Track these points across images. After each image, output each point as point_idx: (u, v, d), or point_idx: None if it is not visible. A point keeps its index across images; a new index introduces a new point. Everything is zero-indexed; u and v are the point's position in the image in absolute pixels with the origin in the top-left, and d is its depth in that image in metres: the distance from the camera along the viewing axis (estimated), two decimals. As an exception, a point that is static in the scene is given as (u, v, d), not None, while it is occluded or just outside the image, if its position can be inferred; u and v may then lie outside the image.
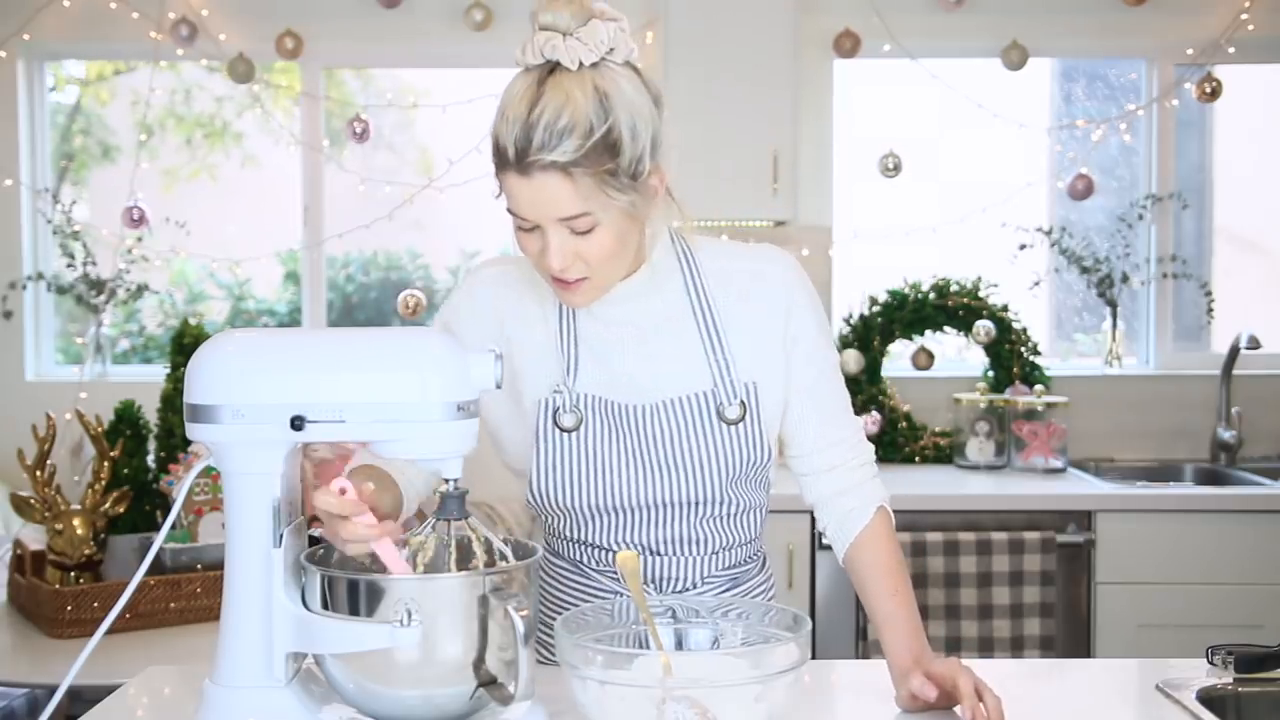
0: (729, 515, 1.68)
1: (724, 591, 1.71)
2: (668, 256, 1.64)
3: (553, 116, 1.41)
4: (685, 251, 1.66)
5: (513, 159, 1.44)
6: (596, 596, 1.69)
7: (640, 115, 1.47)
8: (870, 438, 3.83)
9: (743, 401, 1.61)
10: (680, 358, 1.63)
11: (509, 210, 1.49)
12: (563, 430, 1.61)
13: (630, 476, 1.62)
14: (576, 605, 1.70)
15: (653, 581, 1.67)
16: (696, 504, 1.64)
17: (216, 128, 4.50)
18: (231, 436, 1.32)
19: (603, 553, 1.69)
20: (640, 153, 1.47)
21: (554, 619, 1.70)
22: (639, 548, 1.67)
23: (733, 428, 1.62)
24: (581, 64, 1.44)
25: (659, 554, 1.67)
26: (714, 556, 1.69)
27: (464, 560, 1.41)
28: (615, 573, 1.67)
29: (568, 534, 1.70)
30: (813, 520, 3.48)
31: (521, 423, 1.66)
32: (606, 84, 1.44)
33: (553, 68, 1.44)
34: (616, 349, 1.63)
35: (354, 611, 1.30)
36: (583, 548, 1.70)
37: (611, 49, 1.46)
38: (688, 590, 1.69)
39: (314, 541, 1.47)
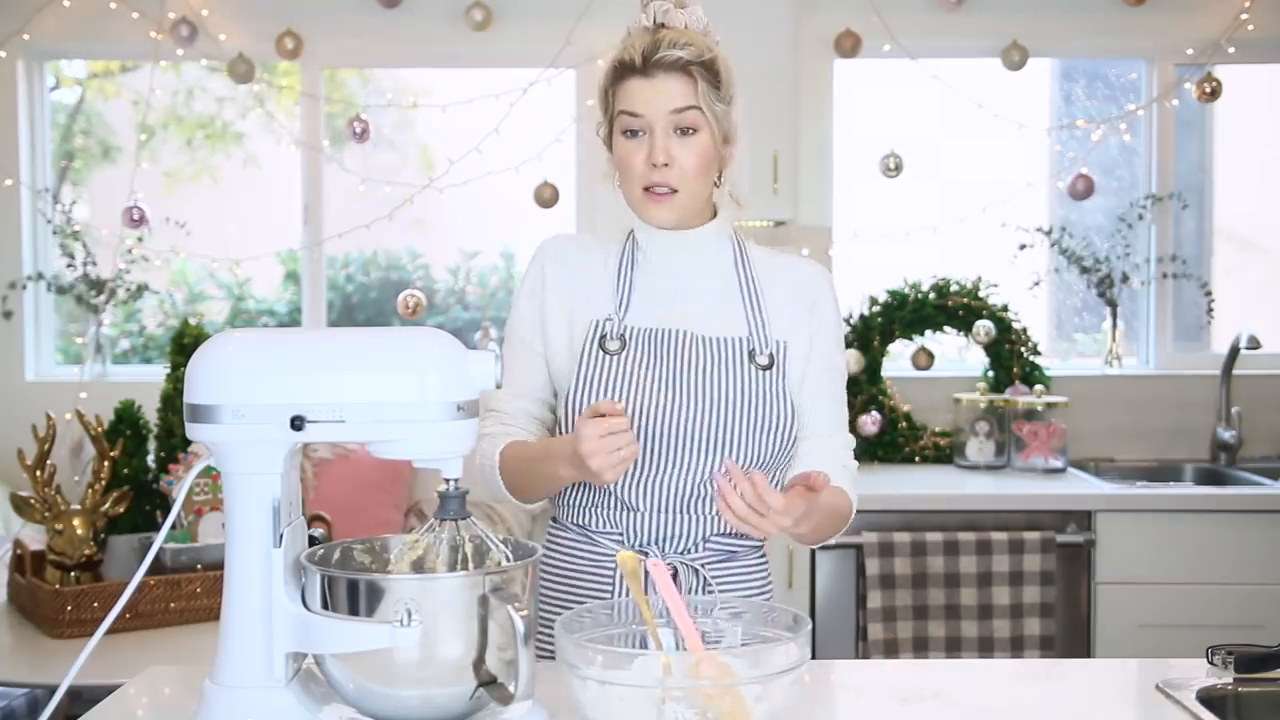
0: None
1: (720, 564, 1.79)
2: (723, 236, 1.85)
3: (675, 36, 1.73)
4: (738, 240, 1.87)
5: (639, 63, 1.71)
6: (602, 566, 1.77)
7: (732, 71, 1.77)
8: (870, 438, 3.83)
9: (771, 354, 1.78)
10: (721, 308, 1.81)
11: (622, 112, 1.73)
12: (606, 353, 1.76)
13: (661, 400, 1.73)
14: (583, 576, 1.79)
15: (657, 543, 1.76)
16: (718, 448, 1.73)
17: (217, 129, 4.50)
18: (231, 436, 1.33)
19: (612, 512, 1.77)
20: (733, 93, 1.76)
21: (559, 595, 1.79)
22: (651, 499, 1.75)
23: (762, 374, 1.77)
24: (686, 26, 1.75)
25: (667, 510, 1.75)
26: (717, 518, 1.77)
27: (464, 560, 1.41)
28: (622, 535, 1.77)
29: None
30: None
31: (571, 360, 1.79)
32: (709, 41, 1.77)
33: (661, 26, 1.75)
34: (665, 295, 1.80)
35: (354, 611, 1.30)
36: (594, 509, 1.78)
37: (706, 33, 1.78)
38: (688, 553, 1.77)
39: (314, 541, 1.47)
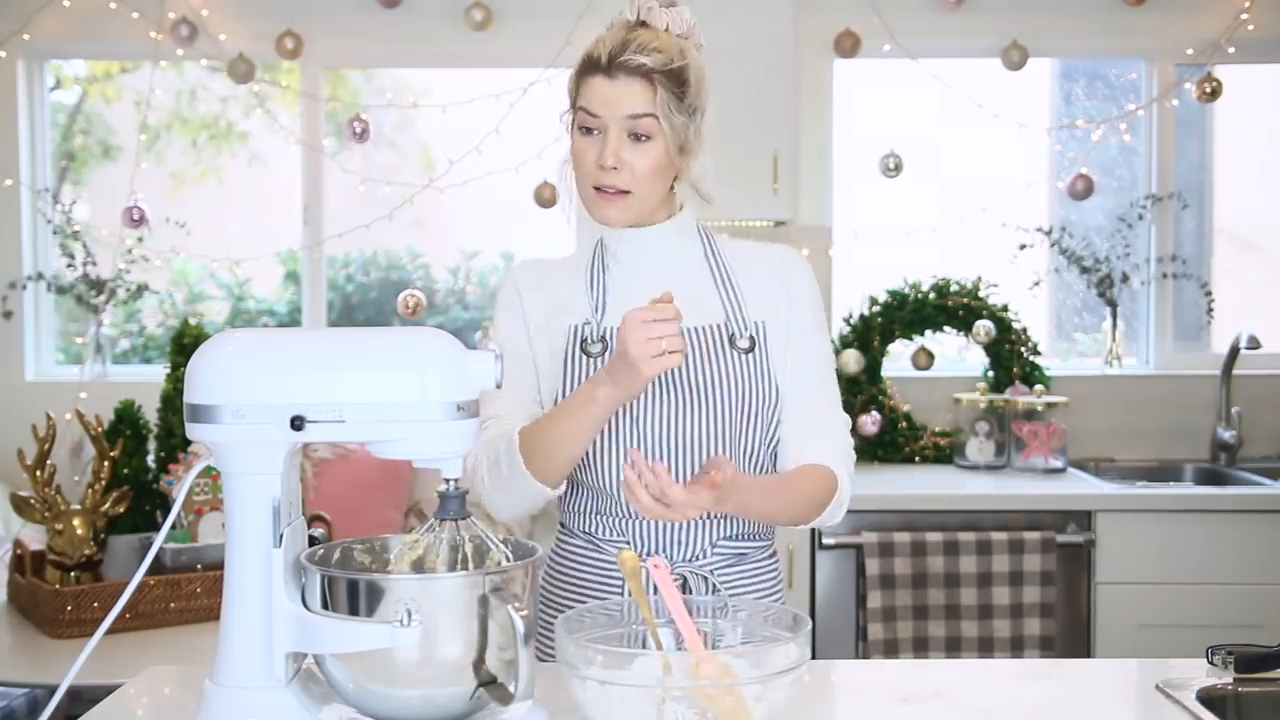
0: (744, 472, 1.74)
1: (730, 567, 1.78)
2: (689, 231, 1.84)
3: (646, 39, 1.71)
4: (707, 234, 1.87)
5: (604, 62, 1.70)
6: (610, 575, 1.77)
7: (703, 79, 1.75)
8: (870, 438, 3.83)
9: (752, 336, 1.78)
10: (696, 297, 1.79)
11: (581, 108, 1.73)
12: (589, 356, 1.76)
13: (648, 399, 1.72)
14: (591, 583, 1.79)
15: (664, 549, 1.76)
16: (710, 440, 1.73)
17: (221, 128, 4.50)
18: (231, 436, 1.33)
19: (619, 519, 1.76)
20: (699, 105, 1.74)
21: (566, 602, 1.79)
22: None
23: (743, 357, 1.76)
24: (668, 27, 1.74)
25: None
26: (723, 522, 1.77)
27: (464, 560, 1.41)
28: (628, 543, 1.76)
29: (587, 482, 1.77)
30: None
31: (556, 370, 1.79)
32: (684, 44, 1.74)
33: (642, 24, 1.74)
34: (639, 292, 1.78)
35: (354, 611, 1.30)
36: (600, 516, 1.78)
37: (689, 36, 1.76)
38: (696, 558, 1.76)
39: (314, 541, 1.47)
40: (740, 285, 1.81)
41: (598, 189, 1.73)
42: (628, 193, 1.72)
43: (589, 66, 1.72)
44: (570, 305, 1.81)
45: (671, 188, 1.80)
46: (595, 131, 1.72)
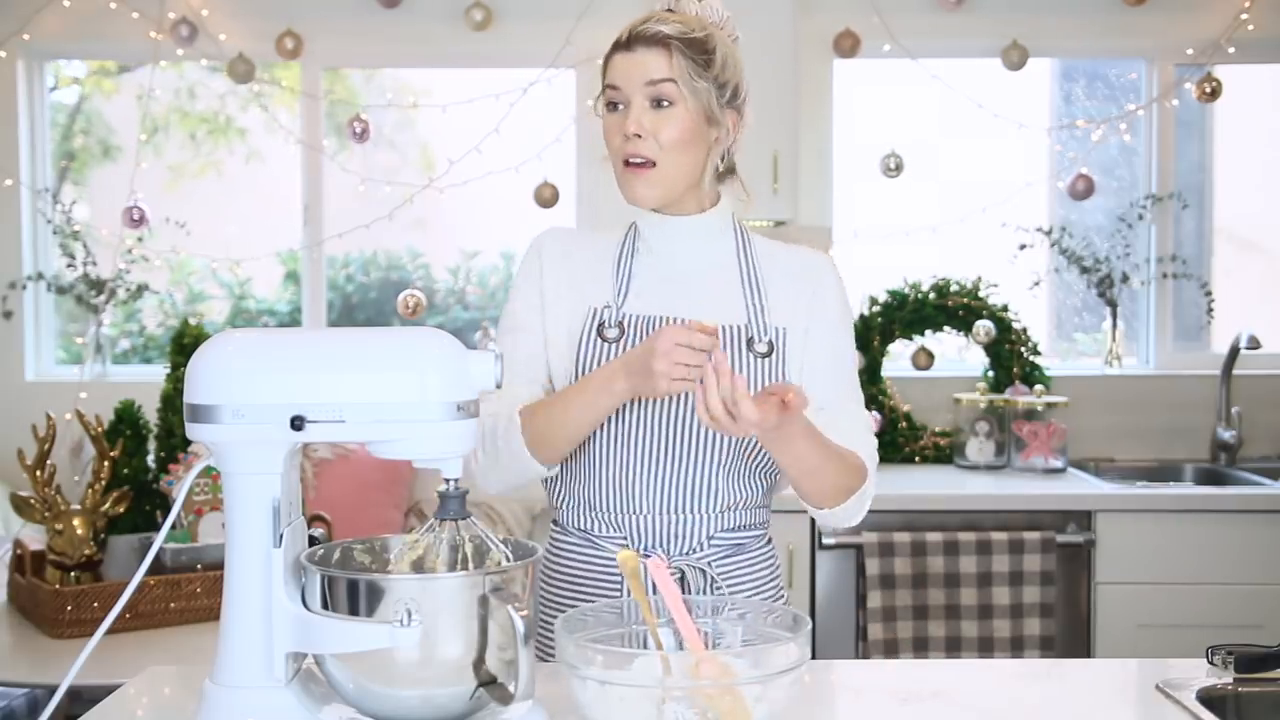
0: (742, 465, 1.75)
1: (727, 558, 1.78)
2: (727, 225, 1.83)
3: (666, 15, 1.74)
4: (742, 230, 1.86)
5: (624, 39, 1.73)
6: (606, 571, 1.77)
7: (733, 56, 1.76)
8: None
9: (771, 341, 1.76)
10: (721, 296, 1.79)
11: (606, 85, 1.74)
12: (605, 341, 1.76)
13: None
14: (588, 581, 1.78)
15: (661, 544, 1.75)
16: (717, 439, 1.72)
17: (220, 123, 4.50)
18: (231, 436, 1.33)
19: (615, 515, 1.76)
20: (728, 79, 1.75)
21: (563, 600, 1.78)
22: (652, 499, 1.74)
23: (760, 361, 1.75)
24: (697, 14, 1.76)
25: (669, 511, 1.74)
26: (720, 515, 1.77)
27: (464, 560, 1.41)
28: (625, 539, 1.76)
29: (583, 476, 1.76)
30: (813, 521, 3.45)
31: (570, 348, 1.79)
32: (709, 25, 1.76)
33: (670, 11, 1.77)
34: (664, 283, 1.79)
35: (354, 611, 1.30)
36: (596, 513, 1.77)
37: (722, 26, 1.78)
38: (694, 552, 1.76)
39: (314, 541, 1.47)
40: (766, 288, 1.79)
41: (626, 164, 1.73)
42: (654, 164, 1.72)
43: (613, 47, 1.75)
44: (592, 282, 1.80)
45: (706, 172, 1.78)
46: (620, 106, 1.73)
